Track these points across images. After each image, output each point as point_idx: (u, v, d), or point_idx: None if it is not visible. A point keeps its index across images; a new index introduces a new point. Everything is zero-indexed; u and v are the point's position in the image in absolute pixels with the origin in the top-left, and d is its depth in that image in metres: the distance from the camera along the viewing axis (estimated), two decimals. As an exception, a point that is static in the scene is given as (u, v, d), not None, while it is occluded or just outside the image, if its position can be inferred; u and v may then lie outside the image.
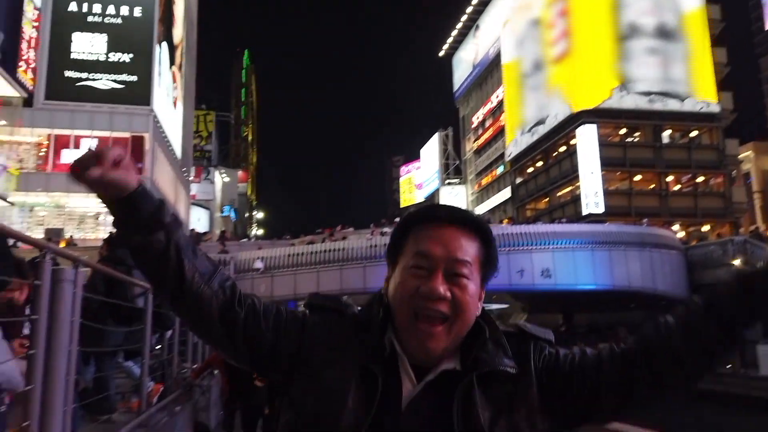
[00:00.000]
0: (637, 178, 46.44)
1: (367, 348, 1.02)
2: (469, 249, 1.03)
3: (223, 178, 65.62)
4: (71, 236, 28.72)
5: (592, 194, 44.32)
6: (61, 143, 34.24)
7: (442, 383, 0.98)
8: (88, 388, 4.42)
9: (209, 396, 7.37)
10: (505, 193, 62.07)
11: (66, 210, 33.20)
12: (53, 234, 27.27)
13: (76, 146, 34.33)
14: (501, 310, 44.40)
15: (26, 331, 2.85)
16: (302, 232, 32.98)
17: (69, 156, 34.14)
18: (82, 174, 0.94)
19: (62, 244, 22.33)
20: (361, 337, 1.04)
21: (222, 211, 61.93)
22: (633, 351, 1.02)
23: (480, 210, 67.14)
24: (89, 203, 33.28)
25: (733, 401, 16.69)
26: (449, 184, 79.89)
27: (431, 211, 1.10)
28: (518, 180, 58.78)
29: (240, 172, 77.80)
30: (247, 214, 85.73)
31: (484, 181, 70.30)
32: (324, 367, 1.03)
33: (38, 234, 27.96)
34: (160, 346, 6.37)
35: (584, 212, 44.31)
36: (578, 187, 46.05)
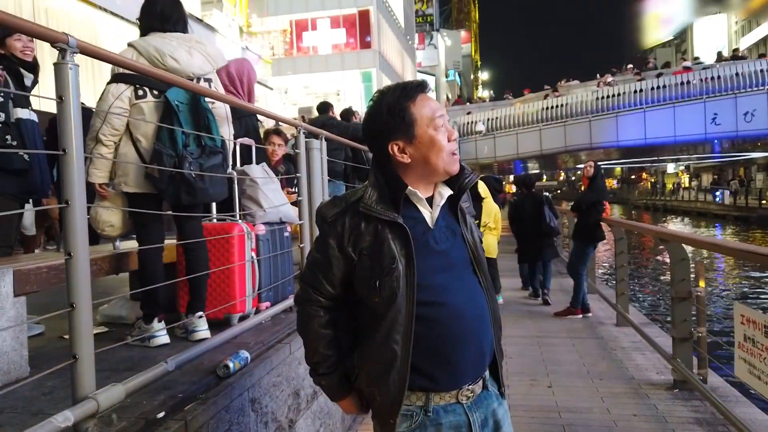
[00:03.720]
0: None
1: (387, 207, 1.43)
2: None
3: (445, 41, 65.38)
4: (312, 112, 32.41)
5: None
6: (301, 27, 37.82)
7: (445, 204, 1.49)
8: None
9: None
10: (782, 15, 50.42)
11: (312, 90, 37.27)
12: (305, 111, 31.12)
13: (314, 28, 37.66)
14: (766, 158, 38.37)
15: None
16: (529, 88, 32.11)
17: (309, 38, 37.76)
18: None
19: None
20: (380, 203, 1.44)
21: (447, 76, 62.54)
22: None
23: (746, 42, 56.07)
24: (328, 82, 36.90)
25: None
26: (705, 13, 67.40)
27: (415, 88, 1.48)
28: (801, -4, 46.99)
29: (462, 33, 76.39)
30: (472, 76, 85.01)
31: (754, 3, 57.63)
32: (366, 247, 1.43)
33: (293, 111, 32.30)
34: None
35: None
36: None
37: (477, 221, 1.60)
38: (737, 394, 3.87)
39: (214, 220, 3.07)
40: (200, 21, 20.71)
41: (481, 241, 1.59)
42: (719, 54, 32.43)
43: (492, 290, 1.55)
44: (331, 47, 37.60)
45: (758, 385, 2.87)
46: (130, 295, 3.15)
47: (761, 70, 21.25)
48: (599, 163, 7.22)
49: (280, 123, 4.52)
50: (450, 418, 1.44)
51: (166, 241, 2.85)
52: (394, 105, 1.45)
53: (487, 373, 1.52)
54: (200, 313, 2.77)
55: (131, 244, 2.97)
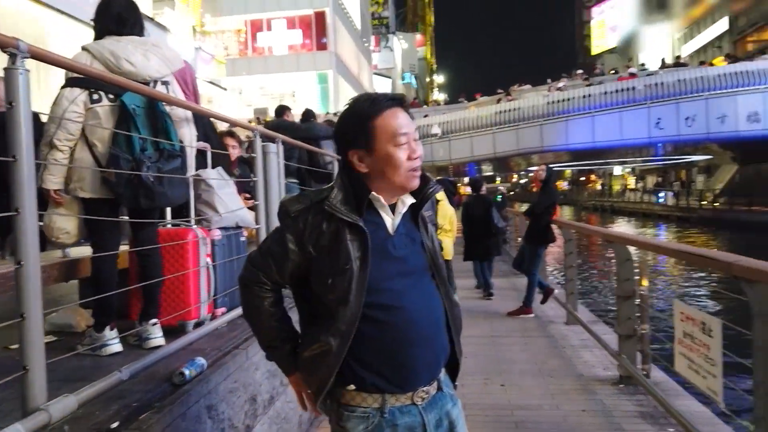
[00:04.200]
0: None
1: (350, 209, 1.47)
2: (410, 119, 1.52)
3: (401, 44, 65.86)
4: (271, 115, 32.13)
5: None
6: (256, 27, 37.40)
7: (406, 212, 1.53)
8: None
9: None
10: (721, 26, 52.97)
11: (267, 90, 36.88)
12: (260, 113, 30.83)
13: (269, 29, 37.31)
14: (706, 161, 40.24)
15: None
16: (484, 93, 32.64)
17: (264, 39, 37.37)
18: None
19: (267, 120, 25.39)
20: (344, 204, 1.47)
21: (403, 79, 62.99)
22: None
23: (687, 49, 58.63)
24: (284, 83, 36.59)
25: None
26: (650, 22, 70.17)
27: (385, 101, 1.50)
28: (737, 7, 49.53)
29: (418, 36, 77.13)
30: (427, 79, 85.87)
31: (694, 13, 60.37)
32: (325, 245, 1.46)
33: (248, 113, 31.88)
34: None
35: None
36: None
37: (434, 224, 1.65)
38: (677, 388, 4.07)
39: (169, 226, 3.03)
40: (151, 20, 20.22)
41: (442, 248, 1.64)
42: (663, 61, 33.81)
43: (451, 296, 1.60)
44: (287, 48, 37.32)
45: (696, 379, 3.04)
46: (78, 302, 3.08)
47: (701, 77, 22.29)
48: (551, 165, 7.46)
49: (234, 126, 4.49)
50: (405, 419, 1.48)
51: (122, 247, 2.80)
52: (359, 115, 1.49)
53: (442, 374, 1.58)
54: (154, 320, 2.73)
55: (80, 251, 2.90)
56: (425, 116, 27.94)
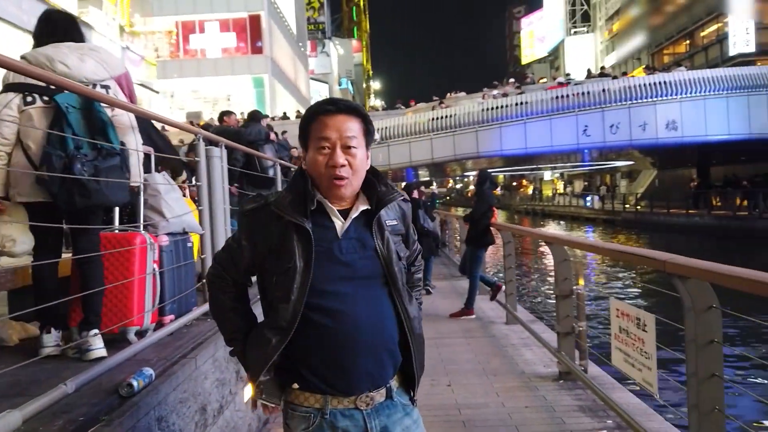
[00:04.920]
0: (802, 6, 39.71)
1: (297, 211, 1.48)
2: (353, 127, 1.51)
3: (338, 49, 65.88)
4: (211, 118, 31.38)
5: (742, 31, 38.90)
6: (188, 29, 36.38)
7: (360, 218, 1.54)
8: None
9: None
10: (640, 39, 56.18)
11: (200, 94, 35.94)
12: (193, 117, 30.01)
13: (201, 31, 36.38)
14: (628, 167, 42.53)
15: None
16: (420, 99, 33.16)
17: (196, 41, 36.40)
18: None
19: (201, 124, 24.76)
20: (292, 206, 1.49)
21: (339, 84, 63.01)
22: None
23: (610, 60, 61.77)
24: (218, 87, 35.78)
25: None
26: (575, 33, 73.50)
27: (324, 105, 1.54)
28: (655, 21, 52.69)
29: (354, 42, 77.40)
30: (364, 85, 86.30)
31: (616, 26, 63.71)
32: (274, 245, 1.49)
33: (181, 116, 30.96)
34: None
35: (731, 53, 39.35)
36: (726, 24, 40.52)
37: None
38: (614, 382, 4.27)
39: (116, 230, 2.91)
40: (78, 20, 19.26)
41: (400, 257, 1.61)
42: (588, 71, 35.49)
43: (406, 306, 1.58)
44: (221, 51, 36.49)
45: (632, 371, 3.20)
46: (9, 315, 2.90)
47: (625, 87, 23.56)
48: (489, 170, 7.68)
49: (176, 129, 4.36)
50: (347, 422, 1.49)
51: (64, 255, 2.69)
52: (306, 116, 1.57)
53: (394, 383, 1.58)
54: (95, 330, 2.61)
55: (8, 261, 2.74)
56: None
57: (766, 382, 7.19)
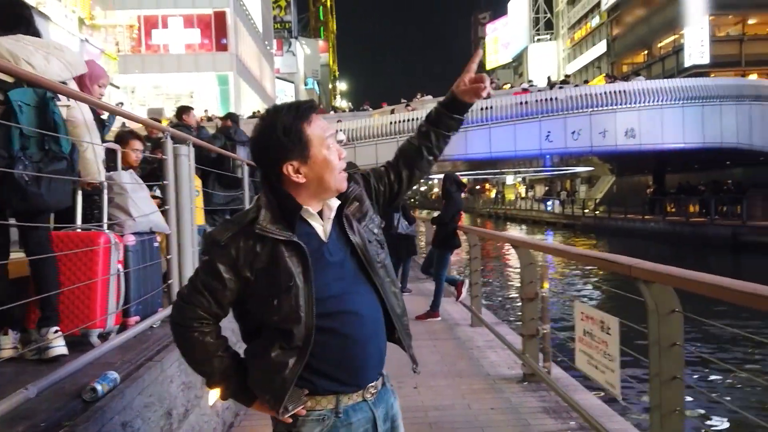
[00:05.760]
0: (752, 21, 41.52)
1: (282, 227, 1.44)
2: None
3: (304, 49, 65.49)
4: (173, 115, 30.71)
5: (697, 43, 40.39)
6: (151, 24, 35.59)
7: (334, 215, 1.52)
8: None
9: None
10: (600, 48, 57.73)
11: (163, 90, 35.19)
12: (155, 113, 29.31)
13: (164, 26, 35.64)
14: (588, 173, 43.62)
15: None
16: (386, 101, 33.22)
17: (159, 36, 35.64)
18: None
19: (164, 122, 24.25)
20: (275, 222, 1.45)
21: (305, 84, 62.64)
22: (396, 157, 1.74)
23: (572, 68, 63.23)
24: (181, 83, 35.12)
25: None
26: (539, 41, 74.96)
27: (306, 107, 1.51)
28: (615, 31, 54.24)
29: (320, 42, 77.09)
30: (330, 86, 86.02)
31: (577, 35, 65.29)
32: (262, 267, 1.43)
33: (142, 113, 30.24)
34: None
35: (687, 64, 40.81)
36: (682, 36, 42.01)
37: None
38: (576, 383, 4.36)
39: (79, 230, 2.82)
40: (32, 8, 18.63)
41: (371, 241, 1.59)
42: (548, 79, 36.24)
43: (384, 284, 1.57)
44: (184, 47, 35.83)
45: (596, 374, 3.28)
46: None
47: (586, 95, 24.13)
48: (459, 173, 7.76)
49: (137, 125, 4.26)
50: (359, 416, 1.51)
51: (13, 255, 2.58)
52: (290, 125, 1.45)
53: (385, 369, 1.61)
54: (55, 327, 2.53)
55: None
56: (338, 121, 28.02)
57: (724, 384, 7.47)
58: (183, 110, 6.90)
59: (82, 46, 26.72)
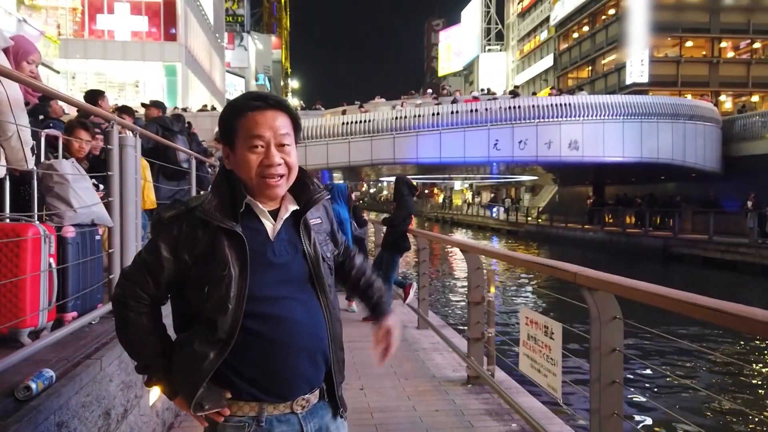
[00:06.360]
0: (689, 44, 43.86)
1: (226, 215, 1.41)
2: (285, 123, 1.45)
3: (256, 44, 64.44)
4: (116, 104, 29.59)
5: (637, 62, 42.29)
6: (95, 8, 34.17)
7: (289, 219, 1.48)
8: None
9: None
10: (547, 61, 59.54)
11: (106, 78, 33.86)
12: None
13: (110, 11, 34.29)
14: (532, 181, 44.84)
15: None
16: (339, 102, 33.17)
17: (104, 21, 34.26)
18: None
19: (112, 110, 23.27)
20: (219, 210, 1.41)
21: (256, 80, 61.64)
22: (349, 270, 1.78)
23: (520, 79, 64.88)
24: (126, 72, 33.87)
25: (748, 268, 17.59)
26: (489, 51, 76.56)
27: (252, 101, 1.45)
28: (562, 46, 56.07)
29: (273, 38, 76.06)
30: (282, 83, 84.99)
31: (527, 47, 67.08)
32: (201, 253, 1.40)
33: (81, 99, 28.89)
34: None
35: (628, 81, 42.66)
36: (624, 55, 43.89)
37: None
38: (518, 386, 4.46)
39: (7, 221, 2.65)
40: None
41: (325, 258, 1.56)
42: (488, 90, 37.05)
43: (332, 308, 1.54)
44: (131, 34, 34.60)
45: (538, 377, 3.36)
46: None
47: (534, 106, 24.79)
48: (409, 177, 7.81)
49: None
50: (283, 428, 1.44)
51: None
52: (231, 109, 1.47)
53: (324, 384, 1.54)
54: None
55: None
56: (360, 107, 27.71)
57: (661, 388, 7.83)
58: (98, 95, 6.18)
59: (19, 26, 25.35)
